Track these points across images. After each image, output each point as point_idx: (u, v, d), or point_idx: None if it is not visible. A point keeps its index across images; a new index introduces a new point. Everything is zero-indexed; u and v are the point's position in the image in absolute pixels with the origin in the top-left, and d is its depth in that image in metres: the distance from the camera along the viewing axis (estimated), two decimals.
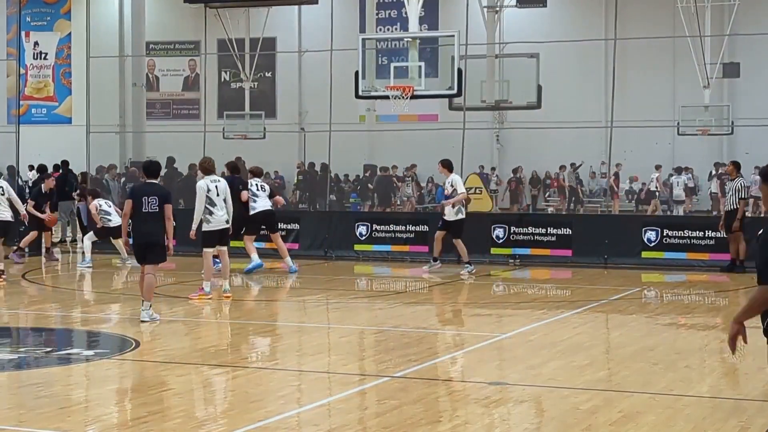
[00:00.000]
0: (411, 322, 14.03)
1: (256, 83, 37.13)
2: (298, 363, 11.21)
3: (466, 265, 19.19)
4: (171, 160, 34.28)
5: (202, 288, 15.61)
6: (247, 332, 13.22)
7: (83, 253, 20.88)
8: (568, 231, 20.98)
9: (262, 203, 19.03)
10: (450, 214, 19.20)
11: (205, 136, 27.98)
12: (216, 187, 15.51)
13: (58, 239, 25.67)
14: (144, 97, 39.74)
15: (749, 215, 22.68)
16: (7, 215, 18.25)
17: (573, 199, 37.38)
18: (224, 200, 15.56)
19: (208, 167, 15.77)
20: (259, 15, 34.58)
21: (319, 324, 14.14)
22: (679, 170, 36.14)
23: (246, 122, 35.16)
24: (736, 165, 20.06)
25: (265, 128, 34.80)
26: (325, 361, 11.27)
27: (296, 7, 39.09)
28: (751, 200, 24.75)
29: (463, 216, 19.39)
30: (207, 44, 33.87)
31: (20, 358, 11.35)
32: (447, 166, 19.65)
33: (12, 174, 28.19)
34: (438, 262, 19.52)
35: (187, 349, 12.01)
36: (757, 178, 32.55)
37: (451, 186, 19.22)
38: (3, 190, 18.21)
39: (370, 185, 36.82)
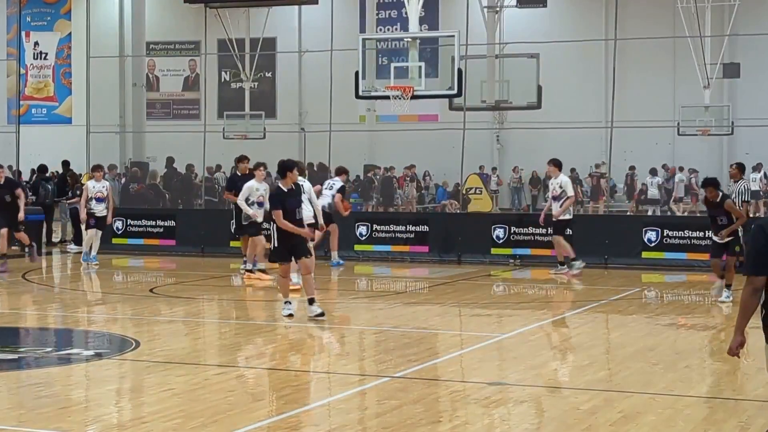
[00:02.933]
0: (411, 322, 14.02)
1: (256, 83, 37.12)
2: (298, 363, 11.21)
3: (559, 266, 18.92)
4: (171, 160, 34.28)
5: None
6: (247, 332, 13.21)
7: (90, 248, 20.83)
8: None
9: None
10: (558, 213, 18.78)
11: (205, 136, 27.98)
12: (300, 187, 16.05)
13: (59, 239, 25.66)
14: (144, 97, 39.77)
15: (751, 216, 22.66)
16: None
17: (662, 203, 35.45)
18: (308, 200, 16.04)
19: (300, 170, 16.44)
20: (259, 15, 34.56)
21: (320, 324, 14.14)
22: (653, 172, 35.66)
23: (246, 122, 35.16)
24: (741, 167, 19.60)
25: (265, 128, 34.79)
26: (325, 361, 11.27)
27: (296, 7, 39.10)
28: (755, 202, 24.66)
29: (570, 216, 19.01)
30: (207, 44, 33.85)
31: (20, 358, 11.36)
32: (558, 165, 19.21)
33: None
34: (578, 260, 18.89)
35: (187, 349, 12.01)
36: (757, 176, 32.67)
37: (560, 187, 18.89)
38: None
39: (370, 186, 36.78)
